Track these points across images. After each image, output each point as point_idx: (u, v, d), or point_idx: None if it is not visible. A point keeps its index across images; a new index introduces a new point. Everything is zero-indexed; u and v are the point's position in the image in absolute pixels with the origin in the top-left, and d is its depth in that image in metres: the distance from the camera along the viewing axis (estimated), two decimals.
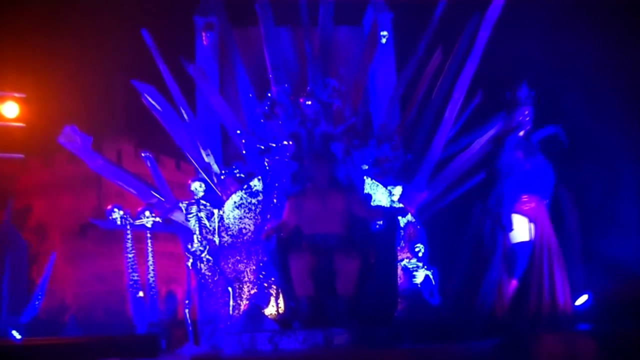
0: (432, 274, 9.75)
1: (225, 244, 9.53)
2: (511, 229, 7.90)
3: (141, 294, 9.65)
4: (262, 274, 9.02)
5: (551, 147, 8.24)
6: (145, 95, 9.95)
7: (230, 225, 9.58)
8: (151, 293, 9.74)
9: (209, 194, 9.58)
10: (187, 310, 9.31)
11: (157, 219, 9.64)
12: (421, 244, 9.84)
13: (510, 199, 7.94)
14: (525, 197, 7.94)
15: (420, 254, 9.77)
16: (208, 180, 9.77)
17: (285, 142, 9.12)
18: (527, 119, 8.14)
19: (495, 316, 7.82)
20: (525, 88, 8.23)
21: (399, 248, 9.12)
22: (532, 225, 7.92)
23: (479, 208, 8.37)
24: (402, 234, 9.77)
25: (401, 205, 9.78)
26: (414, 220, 10.07)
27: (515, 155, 8.02)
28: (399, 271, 9.28)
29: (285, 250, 7.83)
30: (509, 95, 8.27)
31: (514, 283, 7.84)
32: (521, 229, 7.93)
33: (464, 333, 8.10)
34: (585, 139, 9.45)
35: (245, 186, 9.67)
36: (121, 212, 9.59)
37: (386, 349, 7.08)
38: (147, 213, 9.64)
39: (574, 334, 6.92)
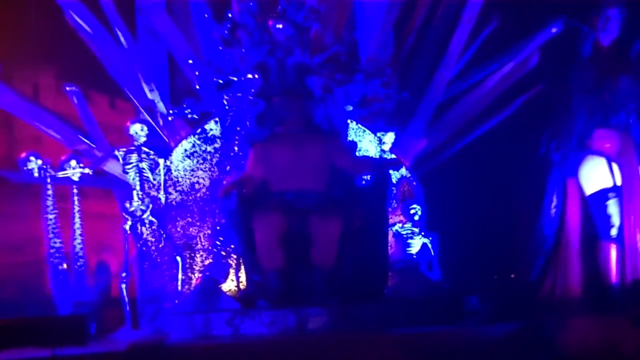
0: (431, 242, 9.82)
1: (173, 203, 9.54)
2: (576, 177, 7.64)
3: (65, 265, 9.60)
4: (219, 241, 9.06)
5: None
6: (70, 12, 9.83)
7: (180, 179, 9.58)
8: (78, 264, 9.67)
9: (152, 139, 9.54)
10: (123, 286, 9.27)
11: (86, 171, 9.57)
12: (418, 204, 9.89)
13: (578, 137, 7.63)
14: (602, 133, 7.60)
15: (416, 217, 9.82)
16: (152, 122, 9.72)
17: (250, 75, 9.10)
18: (611, 23, 7.66)
19: (558, 296, 7.68)
20: None
21: (390, 209, 9.20)
22: (615, 167, 7.57)
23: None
24: (395, 192, 9.84)
25: (393, 156, 9.83)
26: (409, 175, 10.14)
27: (586, 76, 7.61)
28: (390, 238, 9.37)
29: (249, 211, 7.91)
30: None
31: (607, 246, 7.51)
32: (598, 174, 7.59)
33: (470, 315, 8.25)
34: None
35: (199, 130, 9.65)
36: (39, 162, 9.48)
37: (374, 333, 7.20)
38: (73, 163, 9.55)
39: (611, 318, 6.96)
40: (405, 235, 9.76)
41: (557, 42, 9.62)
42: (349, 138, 9.40)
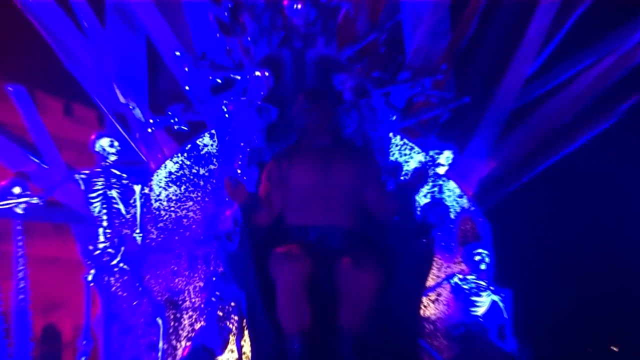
0: (503, 301, 9.79)
1: (153, 244, 9.58)
2: None
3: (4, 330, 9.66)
4: (214, 296, 8.98)
5: None
6: None
7: (162, 212, 9.69)
8: (21, 327, 9.74)
9: (125, 158, 9.59)
10: (83, 359, 9.29)
11: (35, 201, 9.59)
12: (485, 249, 9.88)
13: None
14: None
15: (482, 267, 9.83)
16: (125, 135, 9.83)
17: (258, 73, 9.03)
18: None
19: None
20: None
21: (447, 255, 9.29)
22: None
23: None
24: (453, 230, 9.85)
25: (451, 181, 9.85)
26: (472, 208, 10.12)
27: None
28: (448, 294, 9.51)
29: (257, 254, 7.80)
30: None
31: None
32: None
33: None
34: None
35: (189, 146, 9.74)
36: None
37: None
38: (17, 190, 9.58)
39: None
40: (468, 291, 9.80)
41: None
42: (392, 156, 9.35)
